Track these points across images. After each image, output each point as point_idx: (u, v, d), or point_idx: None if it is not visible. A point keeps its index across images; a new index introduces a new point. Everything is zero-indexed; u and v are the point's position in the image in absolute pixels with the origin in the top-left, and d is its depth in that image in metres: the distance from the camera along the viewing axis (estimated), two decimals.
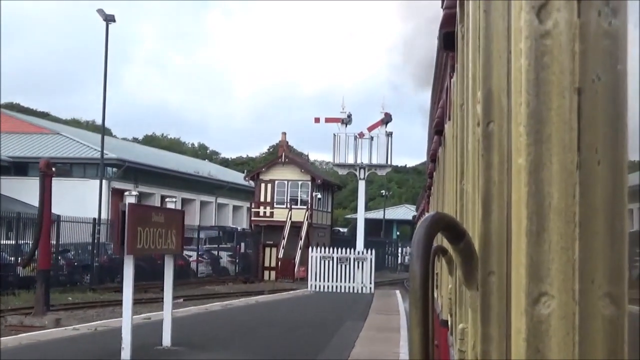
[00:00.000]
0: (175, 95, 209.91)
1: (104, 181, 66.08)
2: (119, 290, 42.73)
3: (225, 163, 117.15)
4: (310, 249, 47.79)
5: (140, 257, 47.91)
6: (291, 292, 45.28)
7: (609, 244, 1.32)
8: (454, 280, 4.58)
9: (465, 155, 3.12)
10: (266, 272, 61.56)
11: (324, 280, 46.07)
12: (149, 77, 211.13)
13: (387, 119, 54.37)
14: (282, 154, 67.19)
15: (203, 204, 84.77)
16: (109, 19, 45.85)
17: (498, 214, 1.98)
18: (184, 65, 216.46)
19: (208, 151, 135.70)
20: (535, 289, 1.34)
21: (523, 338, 1.35)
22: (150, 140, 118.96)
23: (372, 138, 54.56)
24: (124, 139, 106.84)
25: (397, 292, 44.03)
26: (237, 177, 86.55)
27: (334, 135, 54.56)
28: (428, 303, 1.67)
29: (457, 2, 3.83)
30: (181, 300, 39.04)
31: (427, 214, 1.95)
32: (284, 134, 68.99)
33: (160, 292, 42.47)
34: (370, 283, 46.32)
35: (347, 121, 54.23)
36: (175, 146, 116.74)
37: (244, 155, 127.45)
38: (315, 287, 45.76)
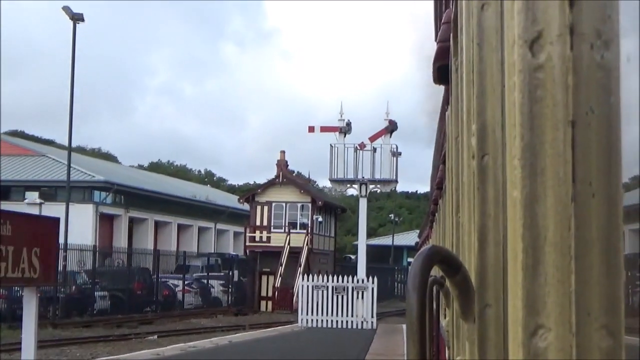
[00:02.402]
0: (187, 124, 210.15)
1: (91, 205, 62.97)
2: (88, 325, 39.51)
3: (233, 190, 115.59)
4: (300, 276, 42.37)
5: (117, 287, 46.04)
6: (279, 327, 39.52)
7: (604, 276, 1.32)
8: (451, 312, 4.57)
9: (461, 188, 3.13)
10: (263, 303, 56.98)
11: (317, 314, 39.91)
12: (161, 106, 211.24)
13: (392, 128, 46.97)
14: (279, 173, 60.61)
15: (201, 230, 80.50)
16: (76, 17, 42.91)
17: (494, 247, 1.99)
18: (196, 94, 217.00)
19: (215, 178, 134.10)
20: (532, 321, 1.34)
21: None
22: (156, 168, 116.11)
23: (374, 149, 47.07)
24: (131, 166, 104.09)
25: (404, 327, 36.93)
26: (236, 201, 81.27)
27: (331, 146, 47.14)
28: (425, 336, 1.66)
29: (451, 35, 3.86)
30: (155, 337, 35.24)
31: (424, 247, 1.95)
32: (283, 152, 62.42)
33: (137, 327, 39.78)
34: (372, 317, 39.74)
35: (345, 130, 47.08)
36: (181, 173, 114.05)
37: (251, 182, 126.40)
38: (307, 322, 39.72)
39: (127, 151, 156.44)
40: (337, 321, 39.77)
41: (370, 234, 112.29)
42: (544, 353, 1.33)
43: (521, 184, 1.36)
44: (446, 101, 5.25)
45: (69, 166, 43.98)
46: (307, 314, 40.05)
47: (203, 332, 38.84)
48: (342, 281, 40.41)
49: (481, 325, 2.04)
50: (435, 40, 4.70)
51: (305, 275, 41.82)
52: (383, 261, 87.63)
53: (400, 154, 48.10)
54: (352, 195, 51.95)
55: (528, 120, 1.37)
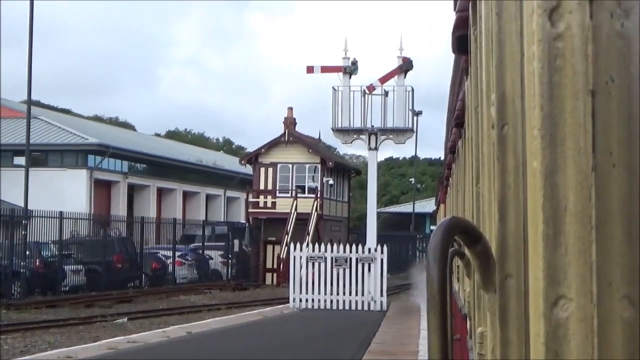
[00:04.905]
0: (209, 94, 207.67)
1: (85, 170, 57.89)
2: (53, 305, 33.69)
3: None
4: (292, 246, 32.46)
5: (94, 261, 40.75)
6: (267, 309, 31.32)
7: (626, 246, 1.32)
8: (471, 283, 4.57)
9: (481, 159, 3.12)
10: (268, 275, 51.22)
11: (313, 292, 31.30)
12: (185, 77, 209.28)
13: (406, 67, 39.12)
14: (285, 131, 53.32)
15: (210, 197, 74.24)
16: None
17: (514, 218, 1.98)
18: (222, 65, 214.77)
19: (234, 146, 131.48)
20: (553, 292, 1.34)
21: (542, 342, 1.35)
22: (173, 136, 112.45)
23: (386, 93, 39.32)
24: (153, 135, 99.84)
25: (422, 306, 27.90)
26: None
27: (333, 89, 39.03)
28: (446, 308, 1.67)
29: (470, 4, 3.83)
30: (125, 319, 29.44)
31: (444, 218, 1.95)
32: (290, 109, 55.13)
33: (111, 307, 34.40)
34: (382, 295, 31.25)
35: (350, 70, 38.85)
36: (198, 141, 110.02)
37: None
38: (301, 302, 31.34)
39: (148, 121, 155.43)
40: (337, 301, 31.36)
41: (393, 201, 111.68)
42: (565, 323, 1.33)
43: (541, 154, 1.36)
44: (465, 71, 5.23)
45: (28, 128, 39.42)
46: (300, 292, 31.49)
47: (186, 312, 32.46)
48: (345, 251, 31.61)
49: (502, 296, 2.04)
50: (454, 9, 4.67)
51: (296, 245, 32.45)
52: (404, 229, 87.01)
53: (420, 112, 42.45)
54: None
55: (548, 90, 1.36)
